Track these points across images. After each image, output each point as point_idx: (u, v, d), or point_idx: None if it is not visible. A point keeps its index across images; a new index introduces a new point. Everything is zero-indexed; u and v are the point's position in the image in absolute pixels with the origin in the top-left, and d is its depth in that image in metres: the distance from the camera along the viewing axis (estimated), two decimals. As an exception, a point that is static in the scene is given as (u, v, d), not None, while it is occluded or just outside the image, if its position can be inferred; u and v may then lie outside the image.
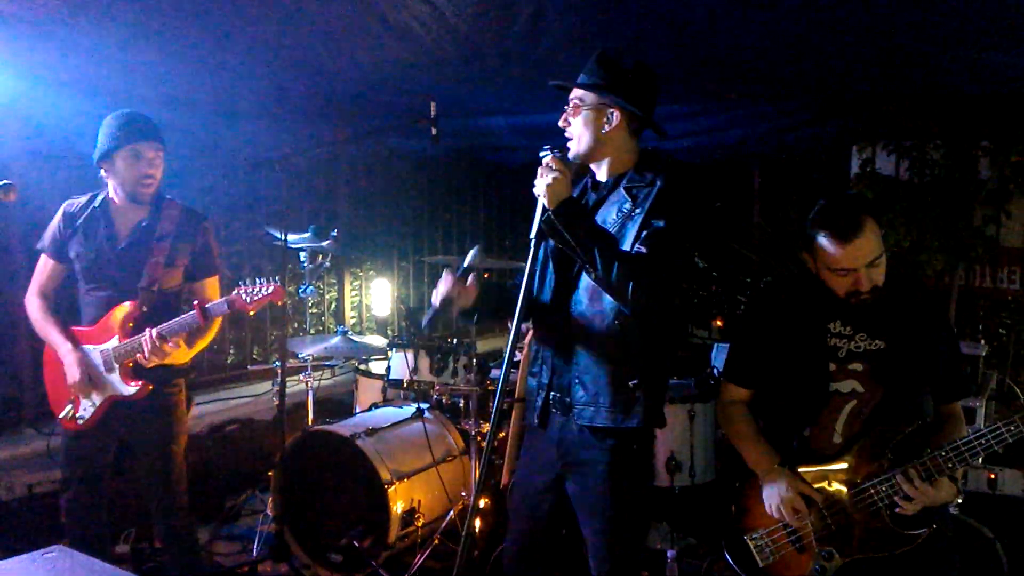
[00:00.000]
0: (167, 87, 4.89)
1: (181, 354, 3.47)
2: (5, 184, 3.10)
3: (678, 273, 2.73)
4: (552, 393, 2.80)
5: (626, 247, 2.57)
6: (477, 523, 3.97)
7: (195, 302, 3.40)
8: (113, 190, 3.53)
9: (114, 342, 3.42)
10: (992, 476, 4.21)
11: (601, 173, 2.79)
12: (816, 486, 2.73)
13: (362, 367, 5.41)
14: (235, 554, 4.63)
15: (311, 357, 5.07)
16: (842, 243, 2.61)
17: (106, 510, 3.65)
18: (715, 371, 5.24)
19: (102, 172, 3.52)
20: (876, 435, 2.68)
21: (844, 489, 2.69)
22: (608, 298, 2.62)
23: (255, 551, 4.54)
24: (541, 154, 2.61)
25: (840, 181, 6.53)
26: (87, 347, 3.46)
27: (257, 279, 3.37)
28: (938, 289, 5.39)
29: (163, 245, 3.49)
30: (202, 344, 3.62)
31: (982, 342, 4.91)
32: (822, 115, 5.81)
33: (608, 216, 2.69)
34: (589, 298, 2.70)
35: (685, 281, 7.92)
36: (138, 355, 3.36)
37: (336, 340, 5.07)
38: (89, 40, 4.05)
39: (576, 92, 2.72)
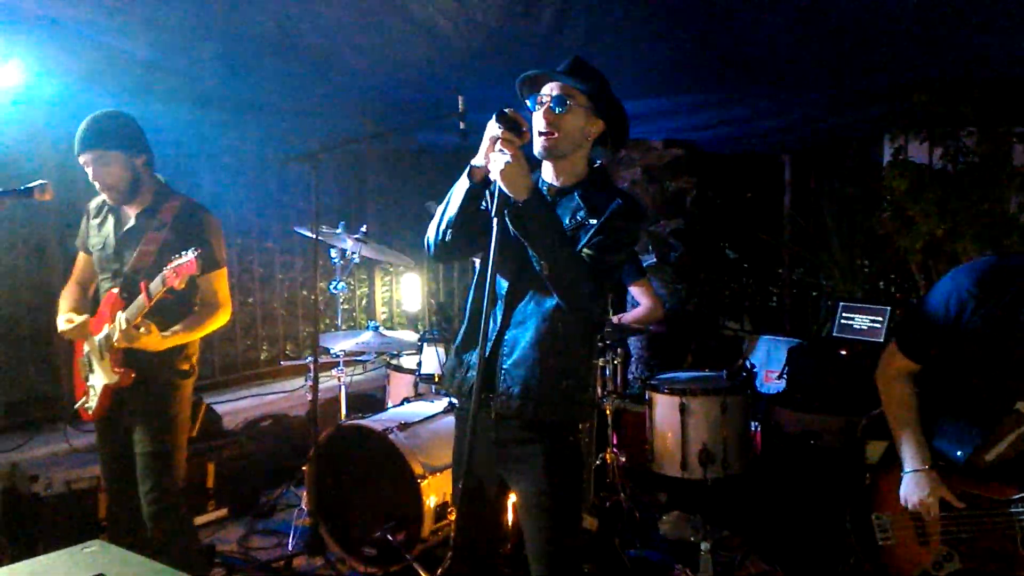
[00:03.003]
0: (197, 85, 4.94)
1: (154, 340, 3.28)
2: (41, 184, 3.12)
3: (612, 282, 2.73)
4: (481, 381, 2.68)
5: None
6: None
7: (141, 282, 3.28)
8: None
9: (105, 330, 3.41)
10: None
11: (554, 177, 2.71)
12: (960, 492, 2.67)
13: (393, 362, 5.43)
14: (271, 548, 4.67)
15: (343, 352, 5.10)
16: None
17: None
18: (748, 363, 5.22)
19: None
20: None
21: (987, 503, 2.63)
22: (545, 291, 2.59)
23: (290, 545, 4.57)
24: (495, 126, 2.41)
25: (872, 170, 6.46)
26: (94, 337, 3.48)
27: (184, 252, 3.18)
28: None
29: (156, 235, 3.44)
30: (183, 338, 3.43)
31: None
32: (854, 104, 5.74)
33: (562, 220, 2.62)
34: (532, 290, 2.65)
35: (714, 273, 7.88)
36: (114, 339, 3.31)
37: (367, 335, 5.09)
38: (119, 40, 4.10)
39: (567, 88, 2.61)
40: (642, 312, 5.09)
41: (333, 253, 5.56)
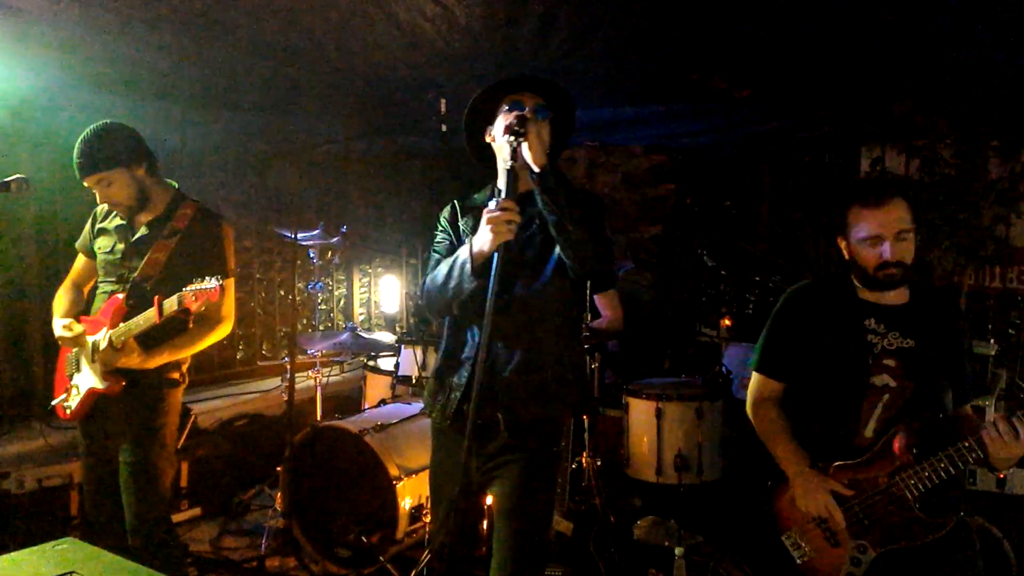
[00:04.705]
0: (179, 83, 4.92)
1: (134, 361, 3.22)
2: (18, 178, 3.10)
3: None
4: (479, 389, 2.54)
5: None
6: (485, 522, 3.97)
7: (156, 296, 3.15)
8: None
9: (102, 333, 3.31)
10: (1001, 476, 4.20)
11: (520, 184, 2.67)
12: (847, 481, 2.79)
13: (371, 363, 5.43)
14: (244, 548, 4.65)
15: (320, 353, 5.10)
16: (872, 208, 2.78)
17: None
18: (724, 369, 5.24)
19: None
20: (903, 429, 2.75)
21: (874, 483, 2.76)
22: (540, 288, 2.62)
23: (263, 546, 4.54)
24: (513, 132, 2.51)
25: (850, 179, 6.52)
26: (88, 337, 3.38)
27: (208, 278, 3.07)
28: (948, 288, 5.40)
29: (167, 243, 3.36)
30: (175, 355, 3.35)
31: (991, 341, 4.90)
32: (832, 114, 5.79)
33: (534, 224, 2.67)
34: (520, 298, 2.64)
35: (692, 279, 7.90)
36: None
37: (345, 336, 5.08)
38: (99, 36, 4.07)
39: (536, 97, 2.71)
40: (602, 324, 5.05)
41: (312, 253, 5.54)
